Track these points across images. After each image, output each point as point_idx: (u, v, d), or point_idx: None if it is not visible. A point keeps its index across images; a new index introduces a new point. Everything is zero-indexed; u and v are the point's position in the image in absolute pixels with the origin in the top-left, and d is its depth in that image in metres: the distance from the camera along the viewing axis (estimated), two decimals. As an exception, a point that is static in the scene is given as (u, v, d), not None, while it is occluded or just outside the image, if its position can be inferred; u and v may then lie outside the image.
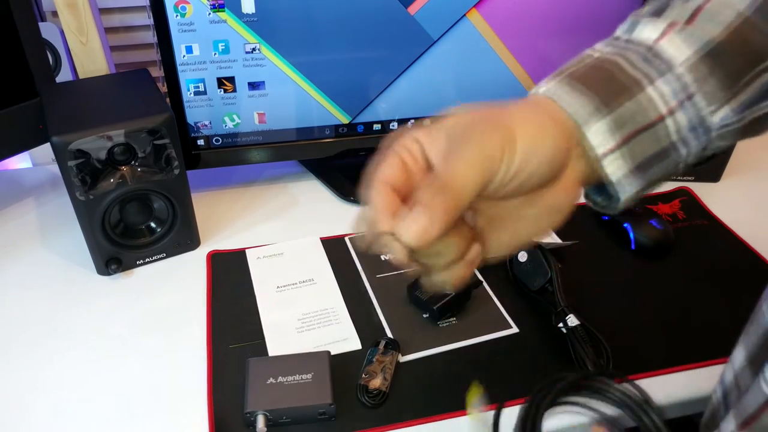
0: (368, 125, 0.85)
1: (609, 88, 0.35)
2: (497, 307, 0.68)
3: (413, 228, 0.31)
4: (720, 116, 0.35)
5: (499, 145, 0.32)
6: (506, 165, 0.32)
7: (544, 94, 0.36)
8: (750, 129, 0.37)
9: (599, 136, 0.34)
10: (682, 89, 0.35)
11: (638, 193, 0.37)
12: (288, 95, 0.79)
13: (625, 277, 0.73)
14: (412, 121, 0.86)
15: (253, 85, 0.78)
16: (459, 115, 0.34)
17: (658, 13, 0.37)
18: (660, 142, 0.35)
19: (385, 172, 0.34)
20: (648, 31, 0.36)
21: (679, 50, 0.35)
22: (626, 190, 0.36)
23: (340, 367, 0.60)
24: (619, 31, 0.39)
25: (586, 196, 0.40)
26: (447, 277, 0.35)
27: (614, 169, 0.35)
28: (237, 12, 0.72)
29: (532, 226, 0.36)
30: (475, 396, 0.53)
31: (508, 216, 0.36)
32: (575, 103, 0.35)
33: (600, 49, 0.38)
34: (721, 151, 0.42)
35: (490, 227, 0.37)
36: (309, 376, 0.56)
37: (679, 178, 0.90)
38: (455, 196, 0.31)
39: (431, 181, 0.31)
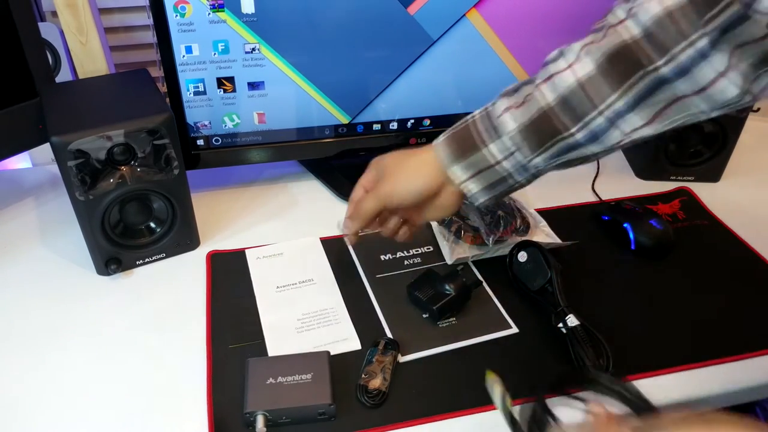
0: (368, 125, 0.85)
1: (464, 145, 0.57)
2: (497, 307, 0.68)
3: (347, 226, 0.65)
4: (534, 162, 0.55)
5: (385, 189, 0.60)
6: (394, 199, 0.60)
7: (434, 146, 0.59)
8: (561, 167, 0.57)
9: (457, 172, 0.58)
10: (506, 149, 0.55)
11: (489, 200, 0.59)
12: (288, 95, 0.79)
13: (625, 277, 0.73)
14: (412, 121, 0.86)
15: (253, 85, 0.78)
16: (382, 160, 0.63)
17: (509, 93, 0.56)
18: (496, 175, 0.57)
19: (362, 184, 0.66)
20: (499, 106, 0.56)
21: (507, 125, 0.54)
22: (479, 200, 0.59)
23: (340, 367, 0.60)
24: (490, 103, 0.58)
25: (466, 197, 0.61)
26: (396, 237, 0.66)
27: (469, 189, 0.58)
28: (237, 12, 0.72)
29: (439, 211, 0.61)
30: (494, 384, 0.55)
31: (416, 213, 0.63)
32: (442, 154, 0.58)
33: (474, 114, 0.58)
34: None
35: (416, 214, 0.63)
36: (309, 376, 0.56)
37: (679, 178, 0.90)
38: (364, 213, 0.62)
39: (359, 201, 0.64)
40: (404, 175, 0.59)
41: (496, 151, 0.55)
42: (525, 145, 0.54)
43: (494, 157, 0.56)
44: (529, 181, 0.58)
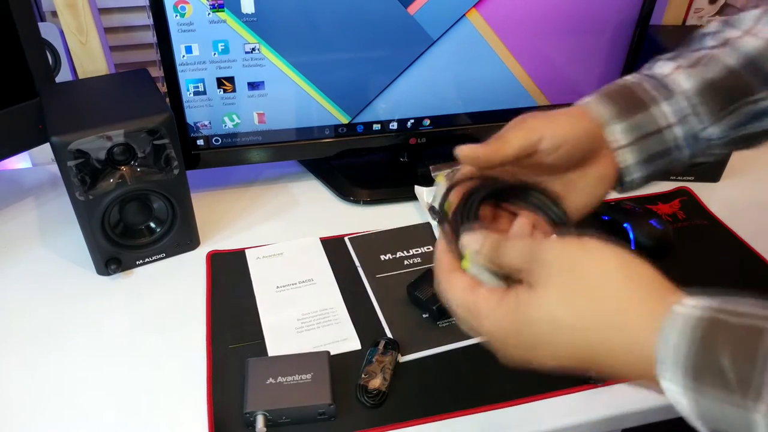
0: (368, 125, 0.85)
1: (628, 103, 0.48)
2: (497, 307, 0.68)
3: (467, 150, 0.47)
4: (708, 132, 0.48)
5: (540, 126, 0.46)
6: (546, 139, 0.46)
7: (583, 104, 0.49)
8: (738, 144, 0.50)
9: (616, 134, 0.48)
10: (680, 111, 0.48)
11: (643, 179, 0.50)
12: (288, 95, 0.79)
13: (625, 277, 0.73)
14: (412, 121, 0.86)
15: (253, 85, 0.78)
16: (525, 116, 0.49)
17: (672, 58, 0.50)
18: (662, 144, 0.48)
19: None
20: (662, 69, 0.50)
21: (681, 84, 0.48)
22: (633, 175, 0.49)
23: (340, 367, 0.60)
24: (643, 68, 0.51)
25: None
26: None
27: (624, 158, 0.48)
28: (236, 12, 0.72)
29: (587, 193, 0.49)
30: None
31: (571, 187, 0.49)
32: (601, 110, 0.48)
33: (627, 78, 0.50)
34: (718, 158, 0.53)
35: (564, 194, 0.49)
36: (308, 376, 0.56)
37: (679, 178, 0.90)
38: (504, 146, 0.46)
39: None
40: (565, 120, 0.47)
41: (669, 111, 0.47)
42: (703, 107, 0.47)
43: (666, 119, 0.47)
44: (690, 160, 0.50)
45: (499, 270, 0.41)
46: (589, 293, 0.36)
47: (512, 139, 0.46)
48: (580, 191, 0.49)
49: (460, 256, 0.42)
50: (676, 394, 0.33)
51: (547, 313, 0.36)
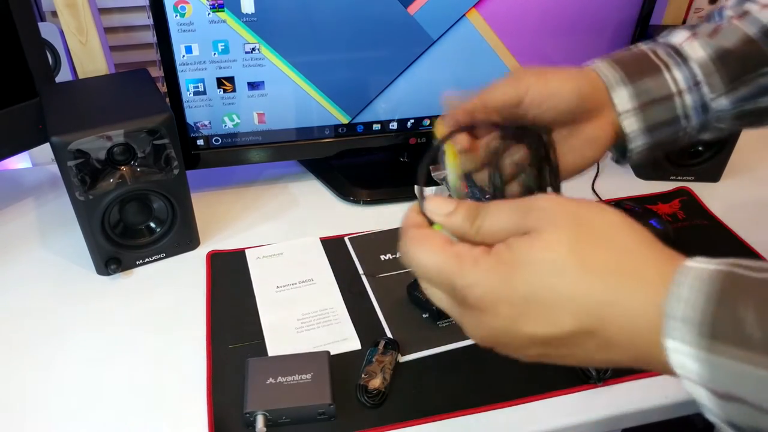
0: (368, 125, 0.85)
1: (636, 68, 0.47)
2: (497, 307, 0.68)
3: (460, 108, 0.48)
4: (719, 103, 0.47)
5: (529, 81, 0.45)
6: (531, 94, 0.45)
7: (589, 66, 0.48)
8: (747, 119, 0.49)
9: (622, 99, 0.46)
10: (692, 78, 0.46)
11: (645, 148, 0.48)
12: (287, 95, 0.79)
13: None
14: (412, 121, 0.86)
15: (253, 85, 0.78)
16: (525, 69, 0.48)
17: (689, 28, 0.49)
18: (669, 112, 0.47)
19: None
20: (676, 37, 0.48)
21: (695, 51, 0.47)
22: (636, 142, 0.47)
23: (340, 367, 0.60)
24: (658, 37, 0.50)
25: (611, 151, 0.51)
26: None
27: (629, 124, 0.47)
28: (236, 12, 0.72)
29: (577, 154, 0.47)
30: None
31: (563, 143, 0.47)
32: (608, 73, 0.47)
33: (640, 44, 0.49)
34: (723, 134, 0.51)
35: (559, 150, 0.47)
36: (308, 376, 0.56)
37: (679, 178, 0.90)
38: (490, 97, 0.46)
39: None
40: (556, 77, 0.46)
41: (680, 78, 0.46)
42: (717, 76, 0.46)
43: (676, 85, 0.46)
44: (697, 133, 0.49)
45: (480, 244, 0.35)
46: (594, 240, 0.32)
47: (499, 90, 0.46)
48: (568, 150, 0.47)
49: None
50: (683, 356, 0.29)
51: (550, 255, 0.32)
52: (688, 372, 0.30)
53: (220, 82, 0.77)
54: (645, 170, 0.91)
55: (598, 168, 0.93)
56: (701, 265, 0.30)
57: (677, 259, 0.32)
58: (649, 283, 0.31)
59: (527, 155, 0.45)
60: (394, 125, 0.86)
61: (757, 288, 0.29)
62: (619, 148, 0.50)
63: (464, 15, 0.78)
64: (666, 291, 0.30)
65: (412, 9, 0.76)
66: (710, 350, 0.28)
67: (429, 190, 0.83)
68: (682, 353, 0.29)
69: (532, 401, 0.58)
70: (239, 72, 0.76)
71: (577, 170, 0.49)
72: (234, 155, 0.83)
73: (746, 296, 0.28)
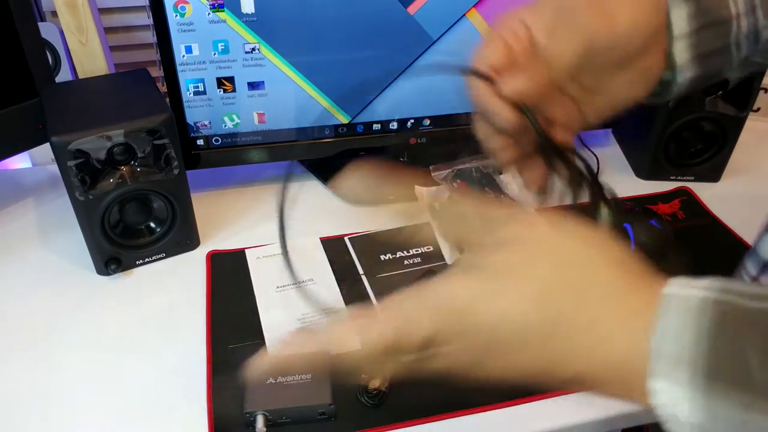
0: (368, 125, 0.85)
1: None
2: (497, 307, 0.68)
3: (512, 83, 0.38)
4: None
5: (601, 30, 0.37)
6: (605, 45, 0.37)
7: None
8: None
9: (680, 20, 0.39)
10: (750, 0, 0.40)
11: (691, 82, 0.42)
12: (288, 95, 0.79)
13: (625, 277, 0.73)
14: (412, 121, 0.86)
15: (253, 85, 0.78)
16: None
17: None
18: (723, 39, 0.41)
19: (487, 54, 0.39)
20: None
21: None
22: (684, 75, 0.41)
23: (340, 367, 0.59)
24: None
25: None
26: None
27: (680, 51, 0.40)
28: (236, 12, 0.72)
29: (625, 89, 0.41)
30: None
31: (603, 83, 0.40)
32: None
33: None
34: (755, 72, 0.48)
35: (588, 95, 0.41)
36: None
37: (679, 178, 0.90)
38: (554, 67, 0.38)
39: (535, 56, 0.38)
40: (623, 12, 0.38)
41: None
42: None
43: (735, 6, 0.40)
44: (738, 67, 0.44)
45: None
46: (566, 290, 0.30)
47: (563, 46, 0.38)
48: (609, 90, 0.41)
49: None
50: (675, 397, 0.26)
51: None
52: (678, 414, 0.26)
53: (220, 82, 0.77)
54: (645, 170, 0.91)
55: (597, 168, 0.93)
56: (688, 292, 0.28)
57: (657, 284, 0.30)
58: (629, 317, 0.29)
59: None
60: (394, 125, 0.86)
61: (758, 320, 0.26)
62: (660, 81, 0.43)
63: (464, 15, 0.78)
64: (652, 325, 0.27)
65: (412, 9, 0.76)
66: (707, 393, 0.25)
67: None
68: (675, 395, 0.26)
69: (532, 401, 0.58)
70: (239, 72, 0.76)
71: (620, 110, 0.42)
72: (234, 155, 0.83)
73: (747, 331, 0.25)
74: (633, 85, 0.41)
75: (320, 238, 0.78)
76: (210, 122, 0.80)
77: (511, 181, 0.85)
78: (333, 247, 0.77)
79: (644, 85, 0.41)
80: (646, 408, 0.27)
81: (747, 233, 0.79)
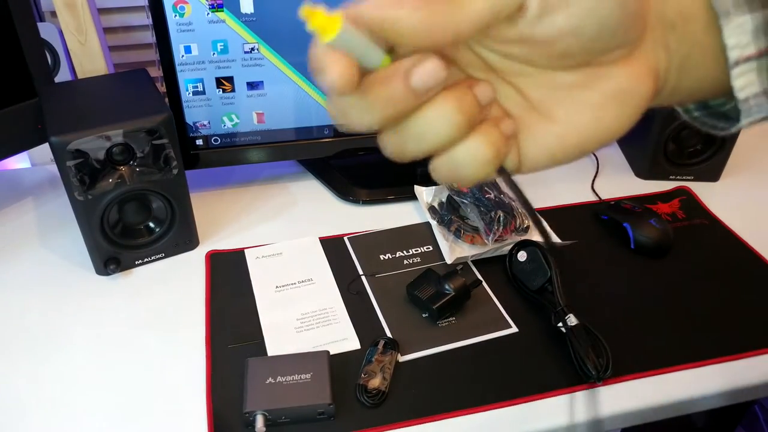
0: (367, 125, 0.85)
1: None
2: (497, 306, 0.68)
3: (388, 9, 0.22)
4: None
5: None
6: None
7: None
8: None
9: (741, 35, 0.26)
10: None
11: (764, 120, 0.29)
12: (287, 95, 0.79)
13: (625, 276, 0.73)
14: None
15: (252, 85, 0.78)
16: None
17: None
18: None
19: None
20: None
21: None
22: (753, 112, 0.28)
23: (339, 366, 0.60)
24: None
25: (686, 111, 0.33)
26: (466, 157, 0.26)
27: (745, 83, 0.27)
28: (236, 12, 0.72)
29: (591, 117, 0.27)
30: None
31: (560, 99, 0.27)
32: None
33: None
34: None
35: (533, 116, 0.28)
36: (308, 375, 0.56)
37: (678, 177, 0.90)
38: (460, 9, 0.23)
39: None
40: None
41: None
42: None
43: None
44: None
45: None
46: None
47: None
48: (569, 114, 0.28)
49: None
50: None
51: None
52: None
53: (219, 81, 0.77)
54: (644, 170, 0.91)
55: (597, 167, 0.93)
56: None
57: None
58: None
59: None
60: (393, 125, 0.86)
61: None
62: (705, 119, 0.32)
63: (463, 15, 0.78)
64: None
65: (412, 9, 0.76)
66: None
67: (428, 191, 0.83)
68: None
69: (532, 401, 0.58)
70: (238, 72, 0.76)
71: (573, 154, 0.28)
72: (233, 155, 0.83)
73: None
74: (602, 111, 0.27)
75: (320, 238, 0.78)
76: (209, 122, 0.80)
77: None
78: (332, 246, 0.77)
79: (618, 116, 0.28)
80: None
81: (746, 233, 0.79)
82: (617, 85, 0.27)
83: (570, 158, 0.28)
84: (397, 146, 0.28)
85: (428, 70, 0.23)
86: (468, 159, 0.26)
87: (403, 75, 0.23)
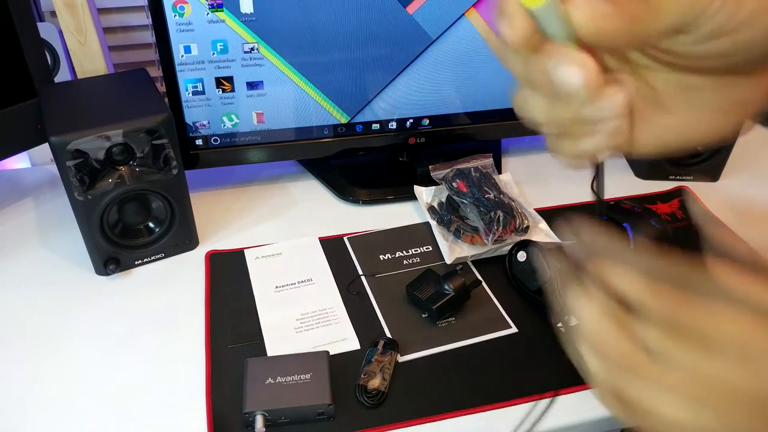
0: (367, 125, 0.85)
1: None
2: (496, 306, 0.68)
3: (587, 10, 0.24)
4: None
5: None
6: (726, 9, 0.23)
7: None
8: None
9: None
10: None
11: None
12: (286, 95, 0.79)
13: (624, 276, 0.73)
14: (411, 120, 0.86)
15: (252, 85, 0.78)
16: None
17: None
18: None
19: None
20: None
21: None
22: None
23: (339, 367, 0.59)
24: None
25: None
26: (589, 142, 0.29)
27: None
28: (235, 12, 0.72)
29: (709, 118, 0.29)
30: None
31: (683, 97, 0.28)
32: None
33: None
34: None
35: (653, 104, 0.29)
36: (308, 376, 0.56)
37: (678, 177, 0.90)
38: (654, 14, 0.24)
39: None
40: None
41: None
42: None
43: None
44: None
45: None
46: None
47: (668, 3, 0.24)
48: (687, 111, 0.29)
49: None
50: None
51: None
52: None
53: (218, 81, 0.77)
54: (644, 170, 0.91)
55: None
56: None
57: None
58: None
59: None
60: (393, 125, 0.86)
61: None
62: None
63: (463, 15, 0.78)
64: None
65: (411, 8, 0.76)
66: None
67: (428, 191, 0.83)
68: None
69: (531, 401, 0.58)
70: (238, 72, 0.76)
71: (680, 144, 0.30)
72: (233, 155, 0.83)
73: None
74: (718, 114, 0.28)
75: (319, 238, 0.78)
76: (209, 122, 0.80)
77: (510, 180, 0.86)
78: (332, 246, 0.77)
79: (730, 120, 0.29)
80: None
81: (746, 233, 0.79)
82: (743, 94, 0.28)
83: (676, 149, 0.30)
84: (570, 146, 0.30)
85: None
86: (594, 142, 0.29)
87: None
